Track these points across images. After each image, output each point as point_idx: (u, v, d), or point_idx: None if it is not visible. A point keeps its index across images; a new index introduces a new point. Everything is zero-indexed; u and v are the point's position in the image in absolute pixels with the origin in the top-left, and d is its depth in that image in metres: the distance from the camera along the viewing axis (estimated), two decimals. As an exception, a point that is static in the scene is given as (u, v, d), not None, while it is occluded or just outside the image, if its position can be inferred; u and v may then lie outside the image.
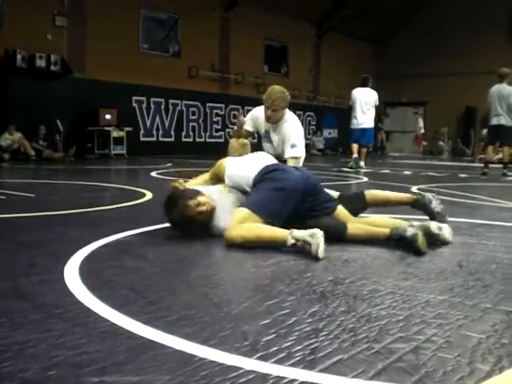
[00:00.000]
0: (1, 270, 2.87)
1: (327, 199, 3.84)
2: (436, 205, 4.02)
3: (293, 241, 3.24)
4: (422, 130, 25.20)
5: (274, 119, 4.86)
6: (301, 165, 4.85)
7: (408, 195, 4.29)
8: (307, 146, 21.36)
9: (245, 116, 5.36)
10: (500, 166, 11.75)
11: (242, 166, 3.95)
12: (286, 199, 3.59)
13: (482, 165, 12.43)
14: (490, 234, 4.20)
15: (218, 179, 4.10)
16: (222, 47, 19.85)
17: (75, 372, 1.64)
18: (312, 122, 24.25)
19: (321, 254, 3.13)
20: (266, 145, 5.15)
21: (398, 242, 3.41)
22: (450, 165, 16.56)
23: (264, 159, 4.00)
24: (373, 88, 12.59)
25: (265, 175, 3.74)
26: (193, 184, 4.13)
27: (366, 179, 9.80)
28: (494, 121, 11.14)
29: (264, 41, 21.64)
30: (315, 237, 3.17)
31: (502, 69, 11.10)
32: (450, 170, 13.56)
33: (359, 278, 2.79)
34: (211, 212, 3.68)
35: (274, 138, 4.99)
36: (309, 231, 3.23)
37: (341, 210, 3.84)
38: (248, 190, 3.79)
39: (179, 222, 3.68)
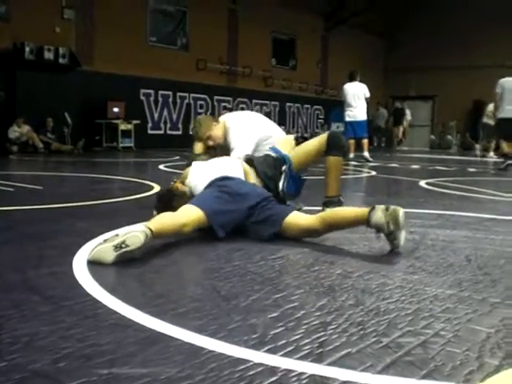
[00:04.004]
0: (10, 262, 2.88)
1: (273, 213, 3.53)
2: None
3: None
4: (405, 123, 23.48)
5: (217, 142, 4.85)
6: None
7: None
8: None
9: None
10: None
11: (200, 180, 3.94)
12: (226, 199, 3.52)
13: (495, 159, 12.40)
14: (499, 228, 4.19)
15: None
16: (230, 40, 19.81)
17: (84, 364, 1.65)
18: (320, 116, 24.22)
19: None
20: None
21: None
22: (458, 159, 16.50)
23: (221, 170, 3.94)
24: (361, 81, 12.84)
25: (211, 183, 3.77)
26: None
27: (374, 173, 9.78)
28: (509, 113, 10.43)
29: (272, 34, 21.57)
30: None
31: None
32: (458, 164, 13.52)
33: (367, 271, 2.78)
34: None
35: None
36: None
37: (293, 218, 3.50)
38: None
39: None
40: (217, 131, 4.82)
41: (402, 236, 3.14)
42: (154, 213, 3.83)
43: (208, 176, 3.88)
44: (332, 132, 4.42)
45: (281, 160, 4.22)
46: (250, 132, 4.80)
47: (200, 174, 4.00)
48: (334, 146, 4.29)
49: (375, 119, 23.21)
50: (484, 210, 5.10)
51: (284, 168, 4.16)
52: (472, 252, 3.28)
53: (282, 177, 4.15)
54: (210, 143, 4.83)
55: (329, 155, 4.32)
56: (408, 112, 23.69)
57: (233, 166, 4.05)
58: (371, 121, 22.18)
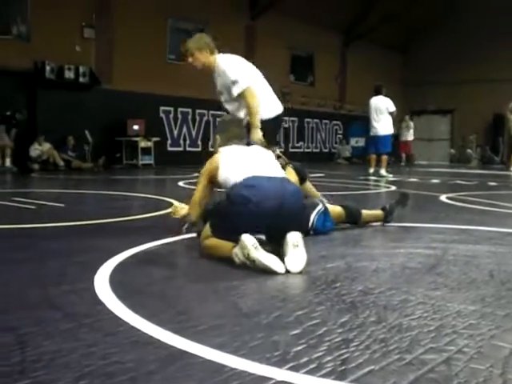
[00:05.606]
0: (32, 279, 2.90)
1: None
2: None
3: (236, 260, 3.17)
4: (411, 137, 21.65)
5: (194, 64, 4.72)
6: (257, 95, 4.74)
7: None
8: (333, 155, 21.20)
9: None
10: None
11: (232, 173, 3.69)
12: (238, 220, 3.37)
13: None
14: (522, 243, 4.14)
15: (212, 182, 3.88)
16: (248, 57, 19.72)
17: (107, 381, 1.65)
18: (339, 131, 24.19)
19: (276, 267, 3.03)
20: (223, 102, 5.12)
21: None
22: (479, 173, 16.38)
23: (250, 167, 3.69)
24: (387, 96, 12.70)
25: (232, 191, 3.55)
26: (194, 203, 3.95)
27: (393, 188, 9.74)
28: None
29: (290, 50, 21.63)
30: (250, 253, 3.06)
31: None
32: (479, 178, 13.42)
33: (389, 287, 2.77)
34: None
35: (219, 87, 4.90)
36: (238, 247, 3.14)
37: None
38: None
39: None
40: (203, 58, 4.70)
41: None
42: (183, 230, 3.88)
43: (239, 169, 3.65)
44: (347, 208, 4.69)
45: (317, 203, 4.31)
46: (244, 68, 4.81)
47: (231, 166, 3.74)
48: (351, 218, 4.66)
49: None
50: (506, 225, 5.05)
51: (319, 208, 4.21)
52: (495, 267, 3.25)
53: (317, 209, 4.16)
54: (189, 60, 4.72)
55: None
56: (411, 123, 21.83)
57: (266, 159, 3.86)
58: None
